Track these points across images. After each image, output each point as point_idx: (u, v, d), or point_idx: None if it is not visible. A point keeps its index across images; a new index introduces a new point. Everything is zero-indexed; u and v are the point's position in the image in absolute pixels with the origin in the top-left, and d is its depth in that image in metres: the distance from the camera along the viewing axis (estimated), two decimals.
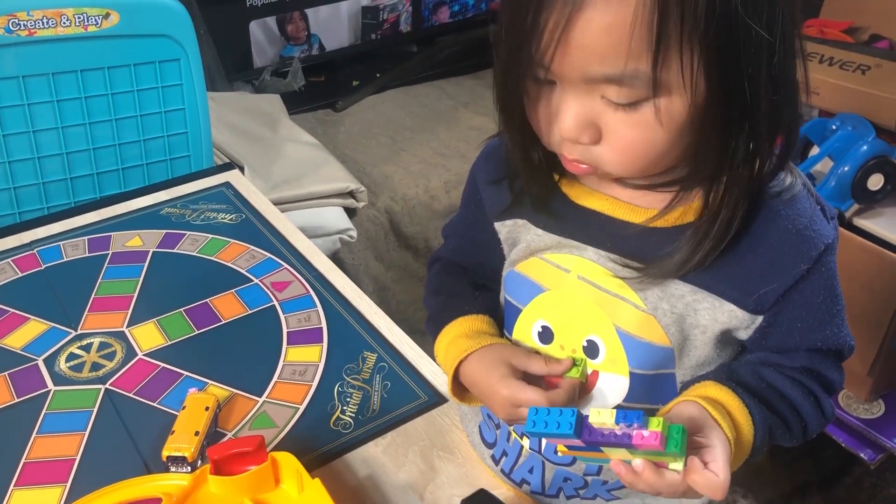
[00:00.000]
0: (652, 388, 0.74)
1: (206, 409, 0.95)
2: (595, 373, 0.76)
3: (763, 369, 0.73)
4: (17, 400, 1.00)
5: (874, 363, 1.61)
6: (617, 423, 0.60)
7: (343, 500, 0.88)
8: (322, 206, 1.72)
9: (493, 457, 0.88)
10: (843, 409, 1.70)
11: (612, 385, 0.75)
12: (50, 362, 1.06)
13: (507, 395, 0.73)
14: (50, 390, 1.02)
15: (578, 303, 0.74)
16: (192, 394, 0.97)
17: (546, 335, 0.77)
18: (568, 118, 0.63)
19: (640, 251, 0.70)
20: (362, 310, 1.14)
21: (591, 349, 0.75)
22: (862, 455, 1.67)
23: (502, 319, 0.84)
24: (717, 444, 0.64)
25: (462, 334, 0.81)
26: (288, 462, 0.86)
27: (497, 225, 0.81)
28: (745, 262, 0.68)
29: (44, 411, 0.99)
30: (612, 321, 0.72)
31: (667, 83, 0.59)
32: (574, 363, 0.74)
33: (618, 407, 0.68)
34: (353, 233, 1.76)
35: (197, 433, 0.92)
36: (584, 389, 0.76)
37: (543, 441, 0.81)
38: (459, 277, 0.88)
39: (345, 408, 0.98)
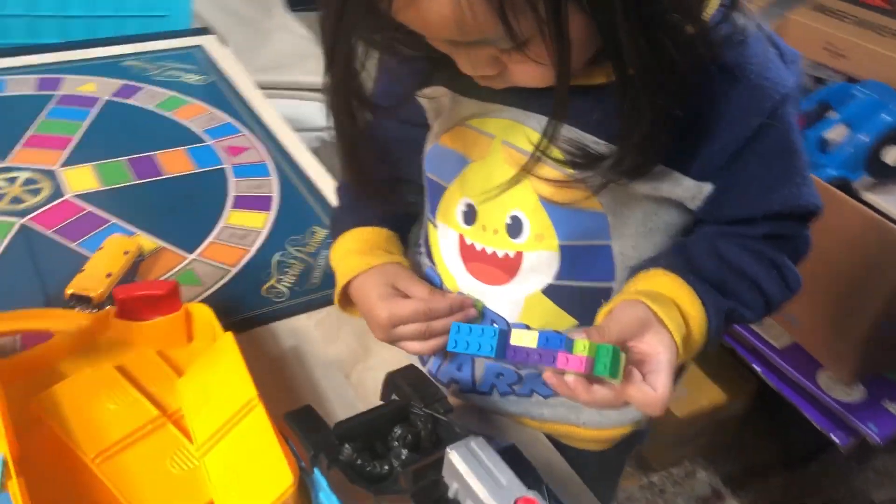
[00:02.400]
0: (586, 262, 0.66)
1: (126, 253, 0.85)
2: (518, 254, 0.66)
3: (720, 242, 0.64)
4: None
5: (860, 340, 1.52)
6: (539, 346, 0.55)
7: (261, 367, 0.78)
8: (304, 100, 1.61)
9: (420, 359, 0.78)
10: (822, 389, 1.61)
11: (541, 262, 0.66)
12: None
13: (385, 316, 0.69)
14: None
15: (502, 173, 0.64)
16: (113, 237, 0.87)
17: (470, 215, 0.68)
18: (463, 66, 0.58)
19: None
20: (321, 186, 1.04)
21: (515, 227, 0.66)
22: (834, 438, 1.58)
23: (408, 227, 0.78)
24: (661, 350, 0.57)
25: (355, 249, 0.74)
26: (203, 315, 0.77)
27: (421, 100, 0.70)
28: (685, 120, 0.56)
29: None
30: (537, 191, 0.63)
31: (533, 32, 0.50)
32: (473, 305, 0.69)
33: (540, 330, 0.60)
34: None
35: (109, 275, 0.82)
36: (511, 271, 0.68)
37: None
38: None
39: (282, 277, 0.89)
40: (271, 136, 1.12)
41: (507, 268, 0.68)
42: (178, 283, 0.77)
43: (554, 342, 0.55)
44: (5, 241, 0.89)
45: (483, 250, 0.68)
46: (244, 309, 0.84)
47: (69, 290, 0.80)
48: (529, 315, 0.69)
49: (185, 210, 0.97)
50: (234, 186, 1.01)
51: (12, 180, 0.97)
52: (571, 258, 0.66)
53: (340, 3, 0.51)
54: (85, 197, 0.97)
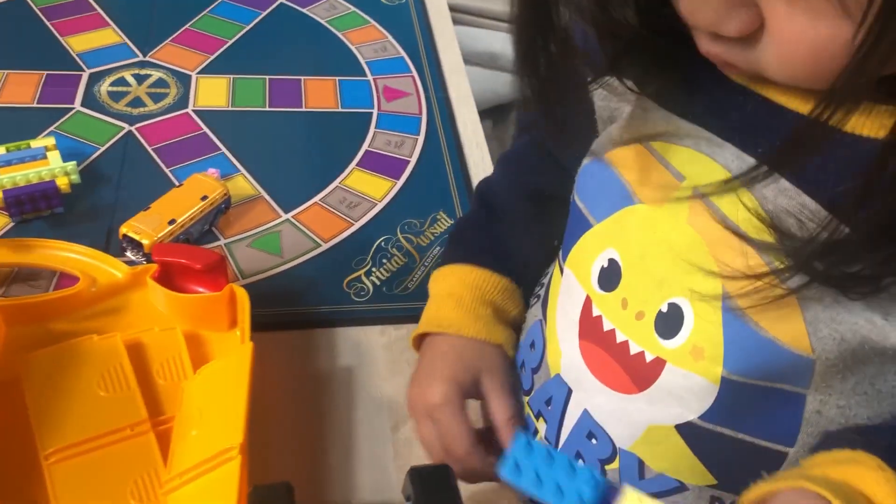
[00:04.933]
0: (758, 409, 0.42)
1: (203, 198, 0.71)
2: (660, 361, 0.43)
3: None
4: (34, 105, 0.83)
5: None
6: None
7: (294, 384, 0.63)
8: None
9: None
10: None
11: (688, 388, 0.43)
12: (94, 79, 0.87)
13: (428, 435, 0.54)
14: (73, 109, 0.83)
15: (680, 236, 0.41)
16: (197, 175, 0.74)
17: (610, 277, 0.45)
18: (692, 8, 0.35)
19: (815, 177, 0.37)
20: (471, 163, 0.84)
21: (670, 322, 0.42)
22: None
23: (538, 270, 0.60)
24: None
25: (457, 294, 0.57)
26: (244, 304, 0.62)
27: (595, 92, 0.48)
28: None
29: (50, 128, 0.80)
30: (724, 285, 0.39)
31: None
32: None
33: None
34: None
35: (172, 222, 0.69)
36: (640, 380, 0.44)
37: (565, 429, 0.50)
38: (523, 183, 0.63)
39: (373, 269, 0.72)
40: (443, 84, 0.93)
41: (637, 373, 0.45)
42: (223, 258, 0.63)
43: None
44: (103, 148, 0.79)
45: (611, 333, 0.46)
46: (310, 301, 0.68)
47: (123, 230, 0.68)
48: (649, 449, 0.46)
49: (305, 156, 0.82)
50: (372, 139, 0.84)
51: (142, 79, 0.87)
52: (735, 397, 0.42)
53: None
54: (206, 115, 0.84)
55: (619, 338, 0.45)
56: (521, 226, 0.61)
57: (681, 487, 0.46)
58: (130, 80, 0.87)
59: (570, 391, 0.49)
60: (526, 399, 0.55)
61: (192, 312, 0.64)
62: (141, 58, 0.90)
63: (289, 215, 0.75)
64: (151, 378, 0.60)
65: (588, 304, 0.48)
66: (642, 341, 0.44)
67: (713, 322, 0.41)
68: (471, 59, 1.09)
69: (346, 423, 0.61)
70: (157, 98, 0.85)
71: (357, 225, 0.75)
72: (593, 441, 0.48)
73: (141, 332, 0.62)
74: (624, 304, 0.45)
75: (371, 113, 0.88)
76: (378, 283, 0.71)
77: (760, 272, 0.38)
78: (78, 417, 0.56)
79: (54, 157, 0.73)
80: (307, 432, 0.60)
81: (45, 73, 0.86)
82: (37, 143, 0.74)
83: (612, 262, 0.45)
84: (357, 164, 0.81)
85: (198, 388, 0.58)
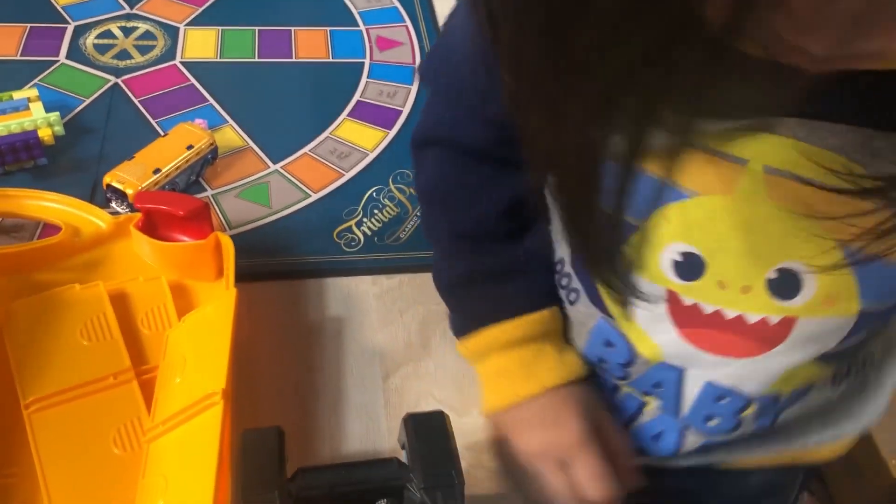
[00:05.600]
0: (886, 319, 0.45)
1: (189, 147, 0.70)
2: (789, 319, 0.42)
3: None
4: (17, 57, 0.81)
5: None
6: None
7: (285, 334, 0.62)
8: None
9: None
10: None
11: (826, 329, 0.43)
12: (79, 32, 0.85)
13: (587, 467, 0.47)
14: (58, 62, 0.81)
15: (767, 215, 0.39)
16: (183, 125, 0.72)
17: (691, 267, 0.43)
18: None
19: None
20: None
21: (786, 284, 0.41)
22: None
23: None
24: None
25: (504, 368, 0.49)
26: (229, 251, 0.60)
27: None
28: None
29: (35, 81, 0.78)
30: (838, 236, 0.37)
31: None
32: None
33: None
34: None
35: (157, 171, 0.68)
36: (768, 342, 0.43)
37: (687, 401, 0.48)
38: (480, 198, 0.50)
39: (364, 219, 0.70)
40: (438, 33, 0.91)
41: (764, 337, 0.43)
42: (206, 205, 0.61)
43: None
44: (88, 100, 0.77)
45: (717, 314, 0.44)
46: (299, 251, 0.67)
47: (107, 180, 0.67)
48: (785, 383, 0.46)
49: (294, 107, 0.80)
50: (363, 89, 0.82)
51: (129, 31, 0.85)
52: (870, 320, 0.42)
53: None
54: (194, 66, 0.82)
55: (729, 314, 0.43)
56: (511, 249, 0.51)
57: (812, 386, 0.47)
58: (117, 32, 0.85)
59: (682, 370, 0.47)
60: (622, 383, 0.51)
61: (176, 261, 0.62)
62: (128, 10, 0.88)
63: (277, 166, 0.73)
64: (136, 327, 0.59)
65: (674, 297, 0.45)
66: (762, 308, 0.42)
67: (840, 273, 0.39)
68: None
69: (336, 373, 0.60)
70: (144, 50, 0.83)
71: (348, 175, 0.74)
72: (724, 400, 0.46)
73: (125, 281, 0.61)
74: (721, 285, 0.43)
75: (363, 63, 0.86)
76: (369, 233, 0.69)
77: (877, 224, 0.35)
78: (60, 366, 0.55)
79: (37, 109, 0.71)
80: (297, 382, 0.59)
81: (29, 25, 0.84)
82: (19, 95, 0.73)
83: (687, 255, 0.42)
84: (348, 115, 0.79)
85: (181, 336, 0.57)
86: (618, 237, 0.41)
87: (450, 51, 0.49)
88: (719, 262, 0.42)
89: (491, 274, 0.50)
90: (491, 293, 0.50)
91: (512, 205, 0.50)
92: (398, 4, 0.94)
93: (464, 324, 0.50)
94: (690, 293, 0.43)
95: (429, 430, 0.49)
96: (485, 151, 0.49)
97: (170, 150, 0.69)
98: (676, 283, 0.43)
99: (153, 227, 0.63)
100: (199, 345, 0.55)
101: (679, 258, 0.42)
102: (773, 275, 0.40)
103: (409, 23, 0.92)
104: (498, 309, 0.49)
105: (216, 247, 0.61)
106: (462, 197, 0.51)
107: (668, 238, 0.42)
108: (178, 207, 0.60)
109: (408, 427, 0.49)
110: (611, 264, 0.40)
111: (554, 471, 0.48)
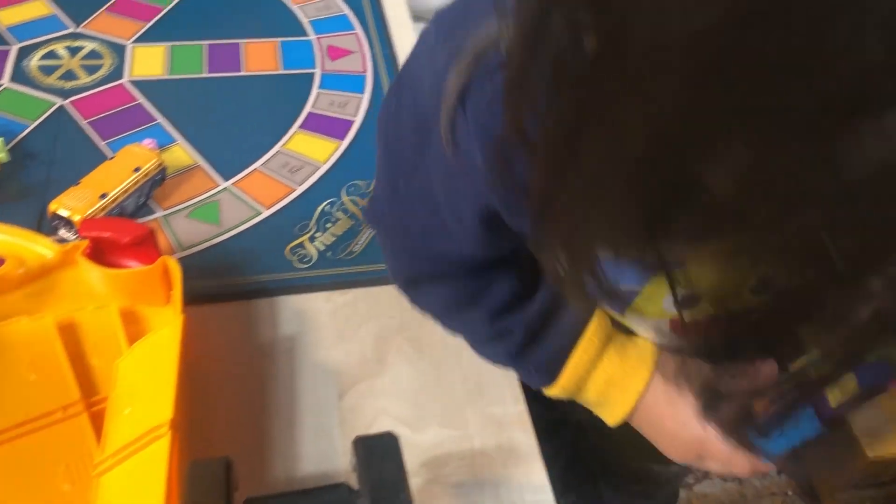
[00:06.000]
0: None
1: (136, 169, 0.69)
2: None
3: None
4: None
5: None
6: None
7: (236, 356, 0.61)
8: None
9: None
10: None
11: None
12: (24, 53, 0.83)
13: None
14: (1, 86, 0.80)
15: None
16: (129, 146, 0.71)
17: (691, 299, 0.43)
18: None
19: None
20: None
21: None
22: None
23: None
24: None
25: (606, 360, 0.52)
26: (176, 276, 0.60)
27: None
28: None
29: None
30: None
31: None
32: None
33: None
34: None
35: (103, 196, 0.67)
36: None
37: None
38: (492, 293, 0.52)
39: (317, 234, 0.69)
40: (389, 40, 0.90)
41: None
42: (152, 230, 0.61)
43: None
44: (33, 124, 0.76)
45: None
46: (251, 270, 0.66)
47: (52, 207, 0.66)
48: None
49: (245, 122, 0.79)
50: (315, 100, 0.82)
51: (75, 51, 0.84)
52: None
53: None
54: (143, 84, 0.81)
55: None
56: (542, 296, 0.52)
57: None
58: (62, 52, 0.84)
59: None
60: None
61: (125, 288, 0.61)
62: (73, 29, 0.87)
63: (228, 183, 0.73)
64: (86, 358, 0.58)
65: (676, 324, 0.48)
66: None
67: None
68: (421, 14, 1.06)
69: (290, 394, 0.59)
70: (90, 70, 0.82)
71: (300, 189, 0.73)
72: None
73: (74, 311, 0.60)
74: None
75: (314, 73, 0.85)
76: (322, 248, 0.68)
77: None
78: (6, 403, 0.54)
79: None
80: (250, 405, 0.58)
81: None
82: None
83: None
84: (300, 127, 0.79)
85: (130, 366, 0.56)
86: (619, 305, 0.44)
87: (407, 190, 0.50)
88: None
89: (543, 324, 0.52)
90: (550, 335, 0.52)
91: (522, 278, 0.52)
92: (348, 11, 0.93)
93: (547, 372, 0.52)
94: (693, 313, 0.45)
95: (379, 453, 0.49)
96: (469, 266, 0.51)
97: (116, 174, 0.68)
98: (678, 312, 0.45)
99: (101, 253, 0.62)
100: (147, 374, 0.55)
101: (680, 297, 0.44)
102: None
103: (359, 30, 0.91)
104: (566, 339, 0.51)
105: (164, 271, 0.61)
106: (473, 303, 0.52)
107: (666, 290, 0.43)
108: (123, 234, 0.60)
109: (358, 450, 0.48)
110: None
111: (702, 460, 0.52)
